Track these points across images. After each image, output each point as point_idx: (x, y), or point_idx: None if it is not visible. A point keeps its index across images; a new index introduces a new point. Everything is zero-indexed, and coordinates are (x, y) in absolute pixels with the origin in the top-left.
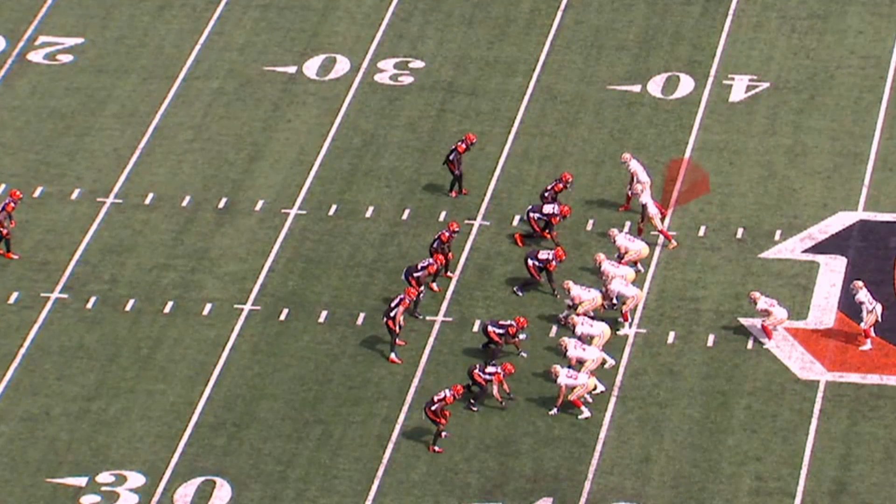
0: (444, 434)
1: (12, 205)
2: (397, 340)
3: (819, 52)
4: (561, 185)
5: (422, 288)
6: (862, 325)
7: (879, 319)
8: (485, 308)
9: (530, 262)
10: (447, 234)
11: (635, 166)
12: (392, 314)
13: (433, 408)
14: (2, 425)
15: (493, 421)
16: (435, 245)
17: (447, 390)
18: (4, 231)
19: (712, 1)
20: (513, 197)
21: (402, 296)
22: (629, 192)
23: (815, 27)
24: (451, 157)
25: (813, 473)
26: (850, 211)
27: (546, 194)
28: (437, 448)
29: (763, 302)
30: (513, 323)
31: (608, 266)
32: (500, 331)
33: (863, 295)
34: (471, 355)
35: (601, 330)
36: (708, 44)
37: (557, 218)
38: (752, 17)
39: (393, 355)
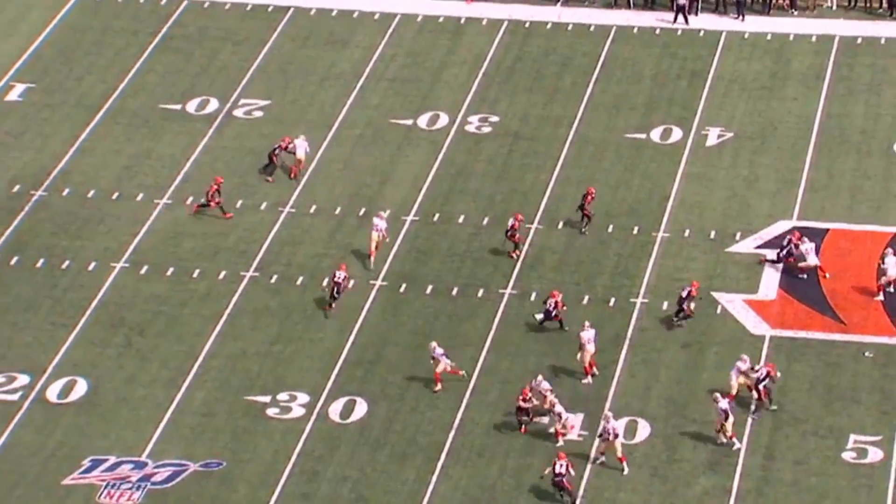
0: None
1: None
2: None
3: (767, 112)
4: (590, 198)
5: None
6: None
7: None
8: (539, 284)
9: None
10: (515, 222)
11: (300, 144)
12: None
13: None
14: (214, 360)
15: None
16: (509, 231)
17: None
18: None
19: (695, 77)
20: (559, 208)
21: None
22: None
23: (764, 95)
24: (275, 151)
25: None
26: (787, 220)
27: (581, 209)
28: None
29: (723, 403)
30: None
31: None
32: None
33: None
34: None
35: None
36: (692, 105)
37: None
38: (721, 88)
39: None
